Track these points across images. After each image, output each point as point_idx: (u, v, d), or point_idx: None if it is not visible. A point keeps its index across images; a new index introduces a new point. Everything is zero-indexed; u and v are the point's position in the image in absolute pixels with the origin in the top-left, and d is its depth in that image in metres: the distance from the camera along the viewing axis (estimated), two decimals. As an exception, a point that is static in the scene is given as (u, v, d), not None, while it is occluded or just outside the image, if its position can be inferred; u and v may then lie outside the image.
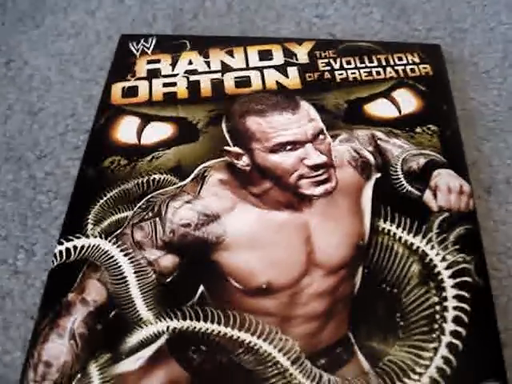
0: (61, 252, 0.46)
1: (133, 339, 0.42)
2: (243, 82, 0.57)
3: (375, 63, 0.59)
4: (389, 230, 0.47)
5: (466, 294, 0.44)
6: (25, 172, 0.56)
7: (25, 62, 0.65)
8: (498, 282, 0.48)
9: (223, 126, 0.51)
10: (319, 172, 0.47)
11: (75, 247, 0.46)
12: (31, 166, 0.56)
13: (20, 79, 0.63)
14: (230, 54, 0.60)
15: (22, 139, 0.58)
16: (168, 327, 0.43)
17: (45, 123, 0.59)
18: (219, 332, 0.42)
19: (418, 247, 0.46)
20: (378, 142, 0.52)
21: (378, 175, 0.50)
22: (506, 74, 0.63)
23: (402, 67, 0.59)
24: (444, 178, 0.50)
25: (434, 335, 0.42)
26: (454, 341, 0.42)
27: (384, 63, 0.59)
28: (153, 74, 0.58)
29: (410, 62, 0.59)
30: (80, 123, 0.59)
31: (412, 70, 0.58)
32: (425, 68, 0.59)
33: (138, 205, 0.48)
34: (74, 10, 0.71)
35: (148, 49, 0.61)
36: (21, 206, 0.53)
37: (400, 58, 0.59)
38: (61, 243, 0.47)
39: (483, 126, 0.59)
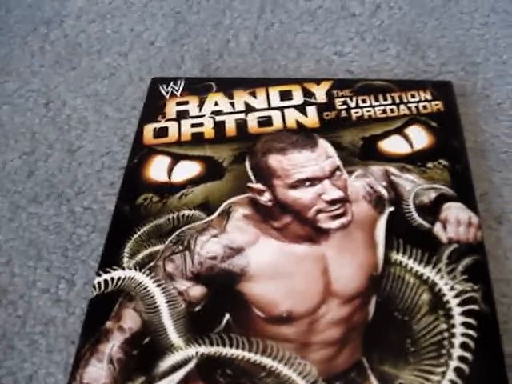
0: (99, 283, 0.50)
1: (165, 363, 0.45)
2: (265, 122, 0.61)
3: (389, 101, 0.62)
4: (401, 261, 0.49)
5: (473, 321, 0.46)
6: (65, 207, 0.59)
7: (63, 102, 0.69)
8: (507, 308, 0.50)
9: (247, 163, 0.55)
10: (336, 206, 0.51)
11: (112, 279, 0.50)
12: (71, 202, 0.60)
13: (59, 119, 0.67)
14: (253, 94, 0.63)
15: (62, 176, 0.62)
16: (197, 352, 0.46)
17: (83, 161, 0.63)
18: (243, 357, 0.45)
19: (428, 277, 0.48)
20: (392, 177, 0.55)
21: (392, 209, 0.53)
22: (517, 106, 0.65)
23: (415, 104, 0.61)
24: (453, 211, 0.52)
25: (442, 360, 0.44)
26: (461, 365, 0.44)
27: (398, 101, 0.62)
28: (181, 116, 0.62)
29: (423, 99, 0.62)
30: (115, 161, 0.63)
31: (424, 107, 0.61)
32: (436, 105, 0.61)
33: (169, 239, 0.52)
34: (107, 52, 0.75)
35: (177, 91, 0.64)
36: (62, 239, 0.57)
37: (413, 96, 0.62)
38: (99, 275, 0.50)
39: (495, 157, 0.60)
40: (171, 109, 0.63)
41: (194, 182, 0.56)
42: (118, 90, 0.70)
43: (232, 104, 0.63)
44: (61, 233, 0.57)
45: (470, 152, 0.58)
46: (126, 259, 0.51)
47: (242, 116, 0.61)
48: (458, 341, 0.45)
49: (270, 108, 0.62)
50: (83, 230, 0.57)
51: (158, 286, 0.49)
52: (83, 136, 0.65)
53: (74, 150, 0.64)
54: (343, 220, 0.51)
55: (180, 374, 0.45)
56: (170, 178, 0.57)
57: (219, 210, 0.53)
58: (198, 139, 0.60)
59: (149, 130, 0.61)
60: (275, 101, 0.63)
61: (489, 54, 0.71)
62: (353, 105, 0.62)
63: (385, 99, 0.62)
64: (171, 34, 0.76)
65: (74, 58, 0.74)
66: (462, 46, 0.72)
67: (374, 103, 0.62)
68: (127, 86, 0.70)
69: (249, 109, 0.62)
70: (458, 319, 0.46)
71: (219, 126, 0.61)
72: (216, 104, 0.63)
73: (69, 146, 0.65)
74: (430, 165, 0.56)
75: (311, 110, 0.61)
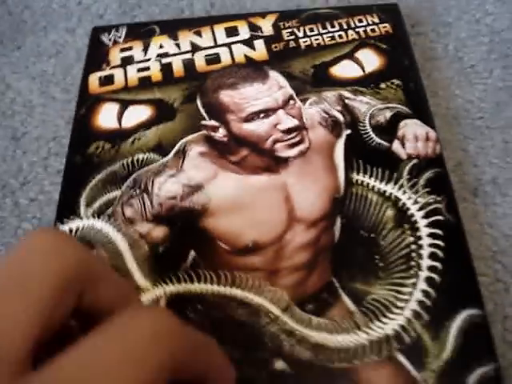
0: (57, 235, 0.48)
1: (133, 306, 0.45)
2: (213, 59, 0.59)
3: (337, 27, 0.61)
4: (362, 181, 0.49)
5: (439, 231, 0.46)
6: (9, 200, 0.55)
7: (7, 85, 0.64)
8: (485, 288, 0.46)
9: (198, 102, 0.54)
10: (292, 135, 0.50)
11: (70, 229, 0.48)
12: (15, 194, 0.56)
13: (3, 104, 0.63)
14: (198, 34, 0.62)
15: (5, 166, 0.58)
16: (165, 292, 0.45)
17: (28, 148, 0.59)
18: (213, 291, 0.45)
19: (391, 193, 0.48)
20: (346, 101, 0.55)
21: (348, 132, 0.53)
22: (491, 67, 0.60)
23: (363, 28, 0.60)
24: (410, 128, 0.52)
25: (412, 272, 0.44)
26: (432, 275, 0.44)
27: (345, 27, 0.61)
28: (126, 62, 0.60)
29: (370, 22, 0.61)
30: (62, 146, 0.58)
31: (372, 30, 0.60)
32: (384, 27, 0.61)
33: (126, 184, 0.50)
34: (53, 28, 0.70)
35: (120, 38, 0.62)
36: (6, 234, 0.53)
37: (360, 20, 0.61)
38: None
39: (469, 124, 0.56)
40: (115, 56, 0.61)
41: (145, 125, 0.55)
42: (66, 69, 0.65)
43: (177, 45, 0.61)
44: (5, 228, 0.53)
45: (442, 120, 0.56)
46: (82, 208, 0.49)
47: (188, 56, 0.60)
48: (426, 252, 0.45)
49: (216, 45, 0.60)
50: (28, 223, 0.54)
51: (119, 231, 0.48)
52: (28, 121, 0.61)
53: (18, 136, 0.60)
54: (301, 147, 0.50)
55: (150, 315, 0.44)
56: (120, 124, 0.55)
57: (174, 150, 0.52)
58: (145, 83, 0.58)
59: (94, 79, 0.59)
60: (221, 38, 0.61)
61: (461, 13, 0.66)
62: (300, 34, 0.61)
63: (332, 26, 0.61)
64: (121, 5, 0.71)
65: (19, 37, 0.69)
66: (433, 5, 0.67)
67: (322, 31, 0.61)
68: (75, 64, 0.65)
69: (195, 48, 0.60)
70: (424, 231, 0.46)
71: (166, 68, 0.59)
72: (161, 47, 0.61)
73: (13, 132, 0.60)
74: (383, 85, 0.56)
75: (259, 44, 0.60)
